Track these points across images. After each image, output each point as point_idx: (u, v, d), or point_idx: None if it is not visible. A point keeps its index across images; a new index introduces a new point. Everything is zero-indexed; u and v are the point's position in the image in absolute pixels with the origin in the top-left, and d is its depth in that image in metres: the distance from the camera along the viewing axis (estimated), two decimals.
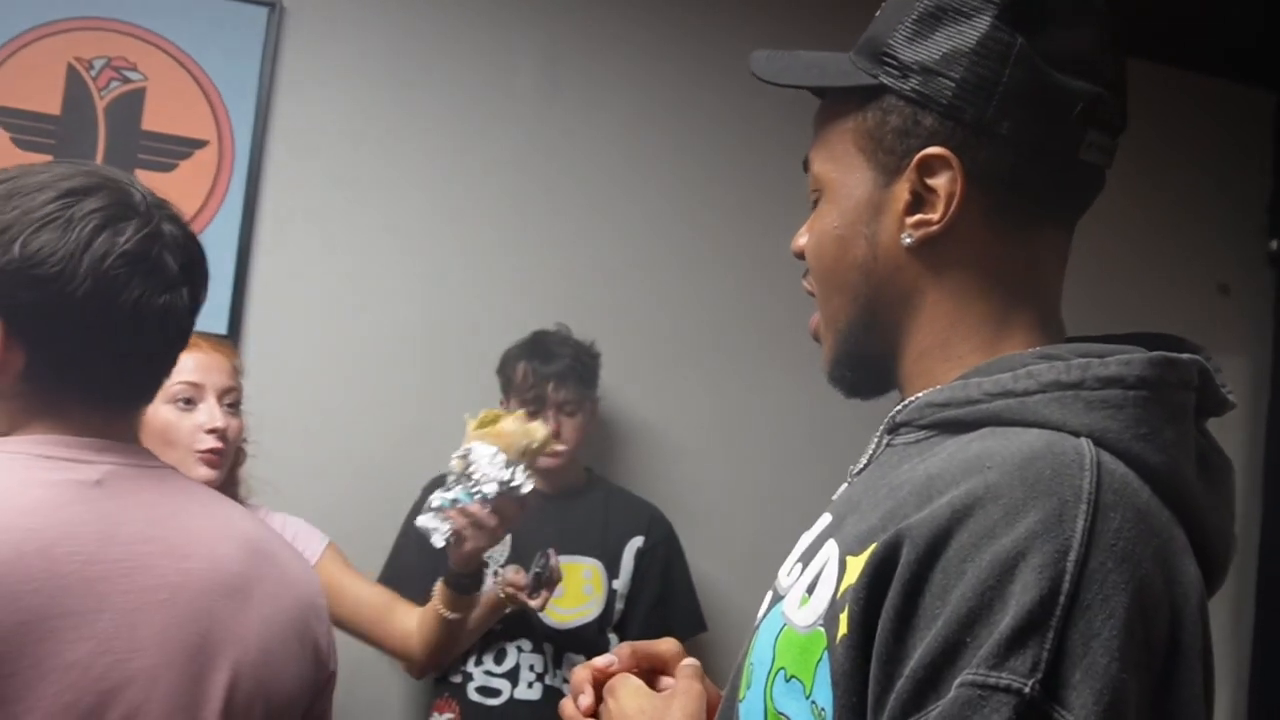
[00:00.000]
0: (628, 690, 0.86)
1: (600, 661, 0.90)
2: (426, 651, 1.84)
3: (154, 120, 2.24)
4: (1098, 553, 0.62)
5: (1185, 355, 0.73)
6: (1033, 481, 0.64)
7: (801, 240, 0.88)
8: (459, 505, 1.57)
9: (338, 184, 2.36)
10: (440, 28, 2.43)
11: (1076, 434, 0.68)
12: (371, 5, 2.39)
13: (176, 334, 1.05)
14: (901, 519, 0.68)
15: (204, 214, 2.25)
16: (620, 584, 2.19)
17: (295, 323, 2.32)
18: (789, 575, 0.80)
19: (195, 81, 2.26)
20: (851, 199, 0.82)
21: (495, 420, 1.59)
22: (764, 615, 0.81)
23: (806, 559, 0.78)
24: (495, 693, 2.09)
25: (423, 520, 1.60)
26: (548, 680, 2.10)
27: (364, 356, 2.35)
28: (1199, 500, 0.72)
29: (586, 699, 0.87)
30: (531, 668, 2.09)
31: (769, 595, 0.84)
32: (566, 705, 0.89)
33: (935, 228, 0.78)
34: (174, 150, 2.25)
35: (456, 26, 2.45)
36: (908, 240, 0.79)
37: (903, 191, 0.79)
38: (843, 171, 0.82)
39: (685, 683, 0.85)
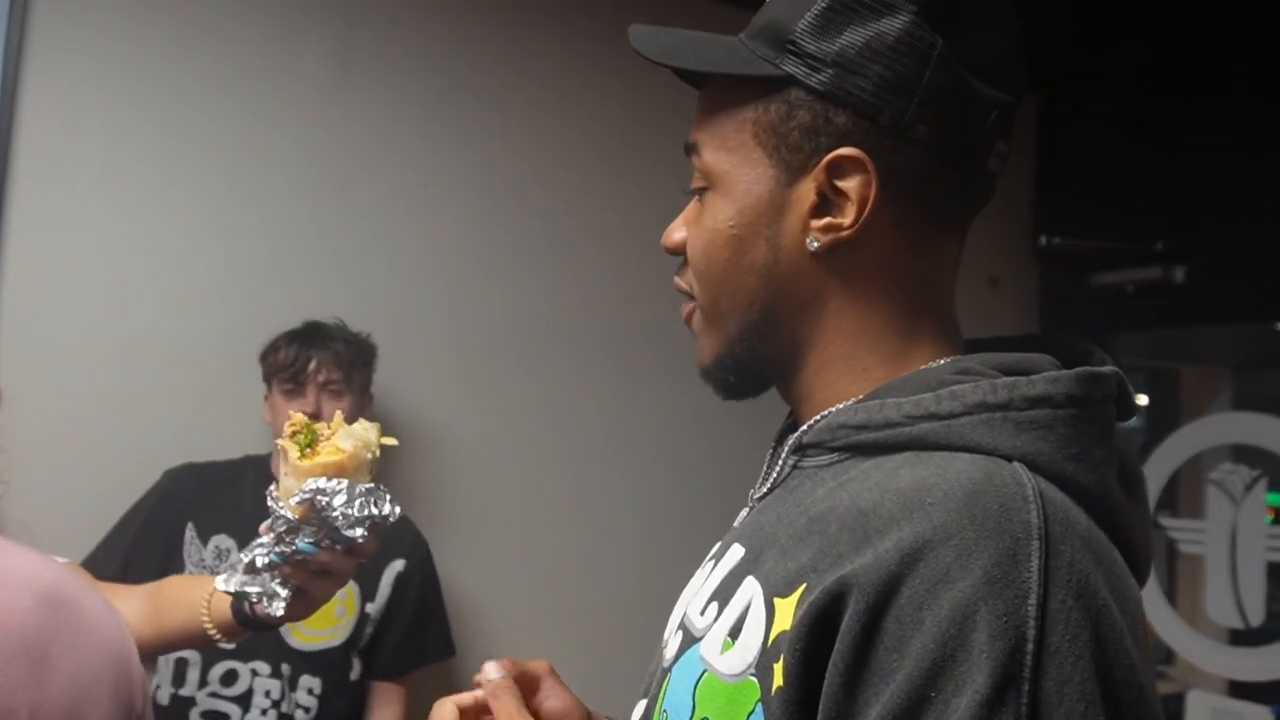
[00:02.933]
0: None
1: (466, 699, 0.85)
2: (166, 646, 1.44)
3: None
4: (1056, 590, 0.60)
5: (1108, 369, 0.72)
6: (981, 520, 0.62)
7: (679, 235, 0.82)
8: (299, 557, 1.17)
9: (99, 177, 2.16)
10: (214, 2, 2.26)
11: (1008, 458, 0.66)
12: None
13: None
14: (835, 559, 0.64)
15: None
16: (375, 607, 2.09)
17: (51, 333, 2.13)
18: (703, 615, 0.75)
19: None
20: (750, 196, 0.76)
21: (312, 437, 1.20)
22: (676, 657, 0.76)
23: (723, 597, 0.74)
24: (222, 718, 1.94)
25: (237, 583, 1.20)
26: (284, 707, 1.96)
27: (127, 367, 2.18)
28: (1128, 517, 0.71)
29: None
30: (267, 693, 1.95)
31: (677, 634, 0.79)
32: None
33: (846, 233, 0.74)
34: None
35: (233, 1, 2.28)
36: (814, 245, 0.75)
37: (808, 192, 0.74)
38: (738, 165, 0.77)
39: None
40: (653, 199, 2.53)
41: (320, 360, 2.02)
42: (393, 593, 2.09)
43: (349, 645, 2.04)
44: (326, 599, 1.24)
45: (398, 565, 2.10)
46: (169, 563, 1.98)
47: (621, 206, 2.61)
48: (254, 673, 1.95)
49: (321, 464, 1.16)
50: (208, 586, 1.31)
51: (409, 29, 2.44)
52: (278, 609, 1.20)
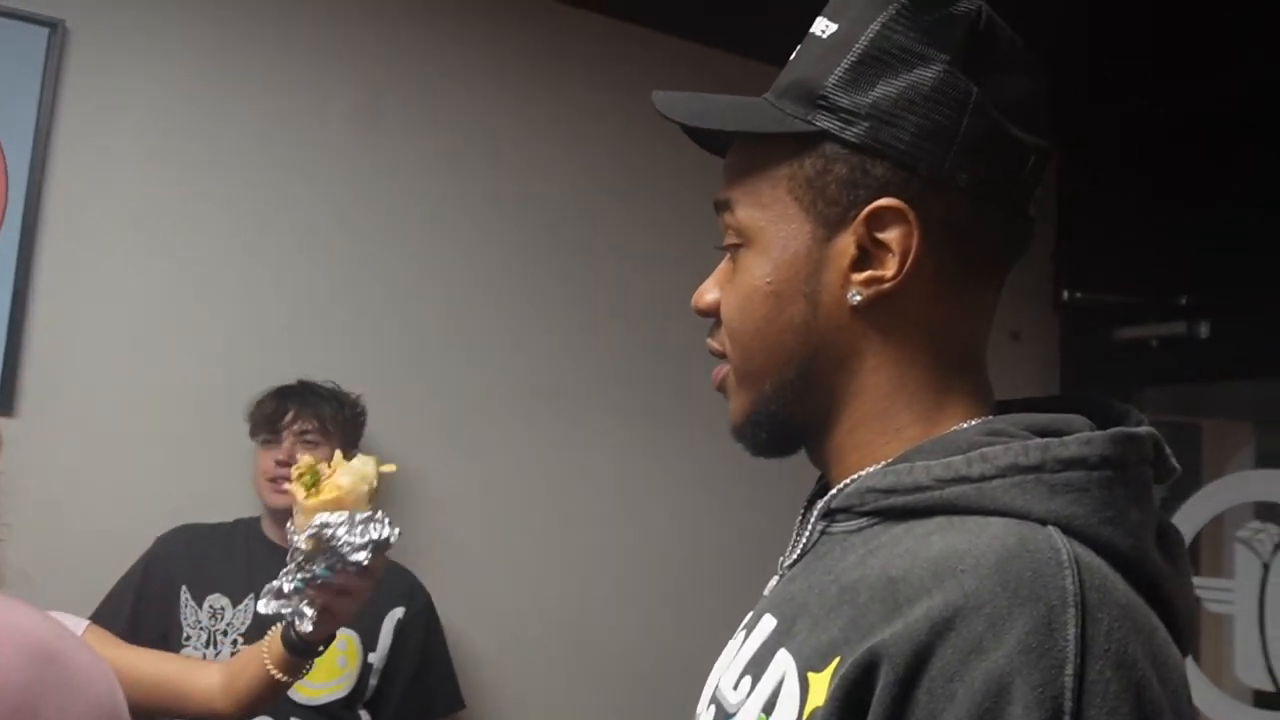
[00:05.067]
0: None
1: None
2: (242, 710, 1.55)
3: None
4: (1093, 661, 0.58)
5: (1143, 430, 0.70)
6: (1014, 586, 0.60)
7: (711, 296, 0.81)
8: (319, 581, 1.35)
9: (129, 226, 2.18)
10: (245, 52, 2.29)
11: (1042, 521, 0.64)
12: (167, 26, 2.22)
13: None
14: (867, 629, 0.63)
15: None
16: (377, 657, 2.06)
17: (79, 382, 2.12)
18: (736, 689, 0.73)
19: None
20: (788, 252, 0.75)
21: (315, 478, 1.37)
22: None
23: (755, 671, 0.72)
24: None
25: (273, 607, 1.37)
26: None
27: (153, 420, 2.17)
28: (1168, 581, 0.68)
29: None
30: None
31: (709, 709, 0.77)
32: None
33: (888, 285, 0.73)
34: None
35: (264, 51, 2.30)
36: (856, 299, 0.73)
37: (848, 245, 0.73)
38: (775, 221, 0.76)
39: None
40: (677, 254, 2.54)
41: (298, 412, 2.05)
42: (394, 641, 2.09)
43: (353, 697, 2.02)
44: (350, 614, 1.42)
45: (397, 613, 2.11)
46: (168, 625, 1.97)
47: (644, 263, 2.61)
48: None
49: (322, 501, 1.35)
50: (266, 640, 1.48)
51: (435, 91, 2.47)
52: (306, 626, 1.38)
